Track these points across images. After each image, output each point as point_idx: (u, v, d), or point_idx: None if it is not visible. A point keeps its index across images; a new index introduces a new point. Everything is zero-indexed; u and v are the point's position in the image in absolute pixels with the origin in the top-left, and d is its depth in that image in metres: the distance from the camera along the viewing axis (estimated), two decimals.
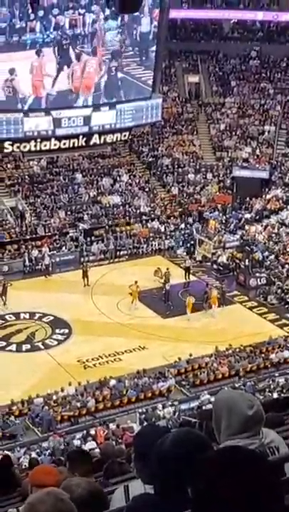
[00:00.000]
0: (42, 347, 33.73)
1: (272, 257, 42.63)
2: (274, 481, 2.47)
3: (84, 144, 39.76)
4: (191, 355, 32.23)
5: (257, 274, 41.14)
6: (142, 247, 44.75)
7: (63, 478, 4.87)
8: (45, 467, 8.14)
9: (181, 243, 45.52)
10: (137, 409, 28.72)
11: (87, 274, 39.77)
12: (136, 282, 37.43)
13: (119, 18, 36.91)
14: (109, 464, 9.12)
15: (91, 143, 40.20)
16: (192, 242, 45.08)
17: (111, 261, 43.25)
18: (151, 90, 40.13)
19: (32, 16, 34.66)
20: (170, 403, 29.04)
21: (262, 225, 46.34)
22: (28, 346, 33.80)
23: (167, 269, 40.23)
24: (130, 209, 47.45)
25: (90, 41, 37.08)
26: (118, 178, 49.56)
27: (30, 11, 33.47)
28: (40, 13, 34.97)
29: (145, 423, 26.72)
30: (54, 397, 28.97)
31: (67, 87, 37.08)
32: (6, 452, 23.48)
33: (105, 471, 8.85)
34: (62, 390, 29.36)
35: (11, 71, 35.59)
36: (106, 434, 26.36)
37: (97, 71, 37.74)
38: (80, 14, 36.17)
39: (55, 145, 38.76)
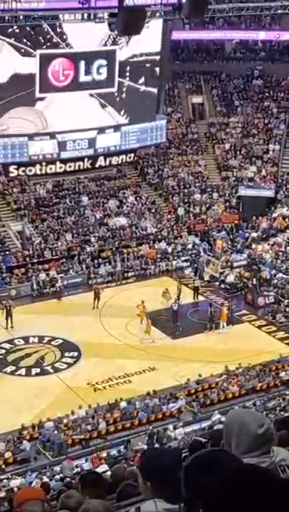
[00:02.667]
0: (51, 370, 33.64)
1: (280, 275, 42.62)
2: (286, 498, 2.46)
3: (89, 166, 39.95)
4: (200, 375, 32.16)
5: (265, 293, 41.09)
6: (150, 268, 44.72)
7: (75, 501, 4.85)
8: (27, 488, 8.13)
9: (189, 263, 45.56)
10: (148, 431, 28.60)
11: (99, 296, 39.74)
12: (142, 302, 37.45)
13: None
14: (123, 486, 9.03)
15: (96, 165, 40.39)
16: (200, 262, 45.06)
17: (118, 283, 43.21)
18: (156, 111, 40.40)
19: None
20: (181, 424, 28.96)
21: (269, 244, 46.35)
22: (38, 370, 33.73)
23: (179, 281, 40.51)
24: (137, 230, 47.49)
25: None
26: (124, 200, 49.64)
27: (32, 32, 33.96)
28: None
29: (157, 445, 26.65)
30: (65, 421, 28.91)
31: None
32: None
33: (119, 494, 8.77)
34: (72, 413, 29.30)
35: None
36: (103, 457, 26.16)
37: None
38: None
39: (60, 168, 38.94)
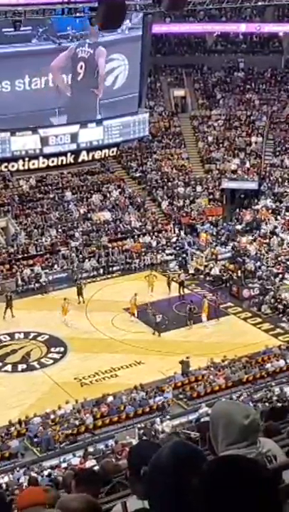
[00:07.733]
0: (38, 366, 33.59)
1: (264, 267, 42.71)
2: (273, 488, 2.46)
3: (72, 161, 39.86)
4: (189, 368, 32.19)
5: (250, 285, 41.17)
6: (135, 262, 44.68)
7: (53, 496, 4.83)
8: (31, 489, 8.07)
9: (173, 257, 45.57)
10: (135, 425, 28.62)
11: (82, 291, 39.66)
12: (135, 295, 37.57)
13: None
14: (112, 485, 9.06)
15: (79, 160, 40.30)
16: (184, 256, 45.11)
17: (103, 277, 43.10)
18: (138, 105, 40.33)
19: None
20: (168, 417, 28.98)
21: (253, 236, 46.43)
22: (24, 366, 33.67)
23: (168, 276, 40.91)
24: (121, 225, 47.43)
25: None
26: (108, 194, 49.55)
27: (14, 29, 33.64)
28: None
29: (144, 438, 26.67)
30: (52, 416, 28.86)
31: None
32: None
33: (108, 492, 8.79)
34: (59, 409, 29.27)
35: None
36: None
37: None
38: None
39: (43, 163, 38.84)
